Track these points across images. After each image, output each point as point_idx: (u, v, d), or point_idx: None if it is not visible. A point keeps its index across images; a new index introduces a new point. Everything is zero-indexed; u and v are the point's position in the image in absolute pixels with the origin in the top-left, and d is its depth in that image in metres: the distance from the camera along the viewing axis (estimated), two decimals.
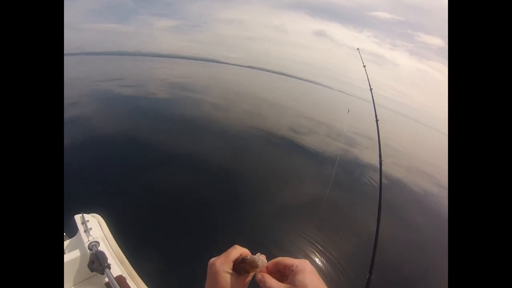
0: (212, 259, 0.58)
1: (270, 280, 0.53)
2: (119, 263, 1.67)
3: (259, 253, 0.57)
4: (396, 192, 8.66)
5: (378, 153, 2.59)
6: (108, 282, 1.52)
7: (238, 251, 0.59)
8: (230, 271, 0.55)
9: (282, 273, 0.56)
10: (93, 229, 1.75)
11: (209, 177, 6.08)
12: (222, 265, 0.55)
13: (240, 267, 0.56)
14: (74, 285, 1.75)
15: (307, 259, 0.55)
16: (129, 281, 1.57)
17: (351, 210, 6.34)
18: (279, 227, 4.76)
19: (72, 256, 1.68)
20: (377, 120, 3.04)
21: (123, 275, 1.58)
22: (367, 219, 5.57)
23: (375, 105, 3.10)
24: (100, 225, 1.82)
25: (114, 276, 1.51)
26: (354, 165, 10.12)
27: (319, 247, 4.39)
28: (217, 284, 0.53)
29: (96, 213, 1.93)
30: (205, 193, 5.25)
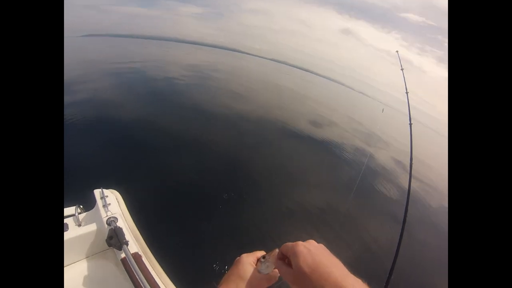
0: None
1: (281, 265, 0.59)
2: (134, 240, 1.70)
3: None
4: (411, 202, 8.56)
5: (410, 156, 2.63)
6: (124, 258, 1.54)
7: (262, 252, 0.67)
8: (254, 265, 0.63)
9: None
10: (111, 205, 1.78)
11: (227, 167, 6.09)
12: (248, 257, 0.65)
13: (261, 262, 0.63)
14: (87, 257, 1.79)
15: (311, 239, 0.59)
16: (144, 259, 1.60)
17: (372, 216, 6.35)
18: (290, 225, 4.78)
19: (88, 229, 1.70)
20: (410, 124, 3.07)
21: (139, 253, 1.61)
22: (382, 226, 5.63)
23: (410, 109, 3.13)
24: (118, 202, 1.85)
25: (131, 253, 1.54)
26: (376, 170, 10.03)
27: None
28: (238, 271, 0.61)
29: (114, 190, 1.95)
30: (221, 184, 5.26)
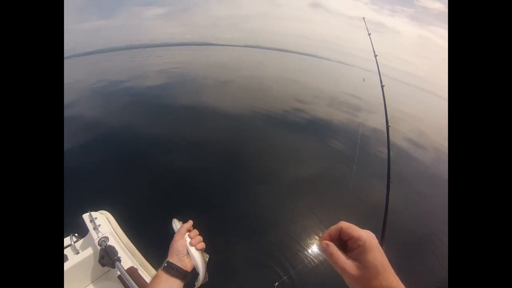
0: None
1: (338, 254, 0.47)
2: (130, 255, 1.67)
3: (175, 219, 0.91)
4: (403, 159, 8.32)
5: (385, 118, 2.58)
6: (120, 275, 1.51)
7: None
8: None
9: (344, 242, 0.50)
10: (102, 226, 1.76)
11: (214, 166, 5.87)
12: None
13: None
14: (92, 283, 1.78)
15: (369, 230, 0.48)
16: (141, 272, 1.56)
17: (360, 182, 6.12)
18: (287, 204, 4.65)
19: (85, 254, 1.69)
20: (382, 86, 3.06)
21: (135, 266, 1.57)
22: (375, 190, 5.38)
23: (380, 72, 3.18)
24: (108, 221, 1.83)
25: (125, 268, 1.50)
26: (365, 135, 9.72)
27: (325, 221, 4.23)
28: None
29: (104, 210, 1.93)
30: (211, 185, 5.10)
